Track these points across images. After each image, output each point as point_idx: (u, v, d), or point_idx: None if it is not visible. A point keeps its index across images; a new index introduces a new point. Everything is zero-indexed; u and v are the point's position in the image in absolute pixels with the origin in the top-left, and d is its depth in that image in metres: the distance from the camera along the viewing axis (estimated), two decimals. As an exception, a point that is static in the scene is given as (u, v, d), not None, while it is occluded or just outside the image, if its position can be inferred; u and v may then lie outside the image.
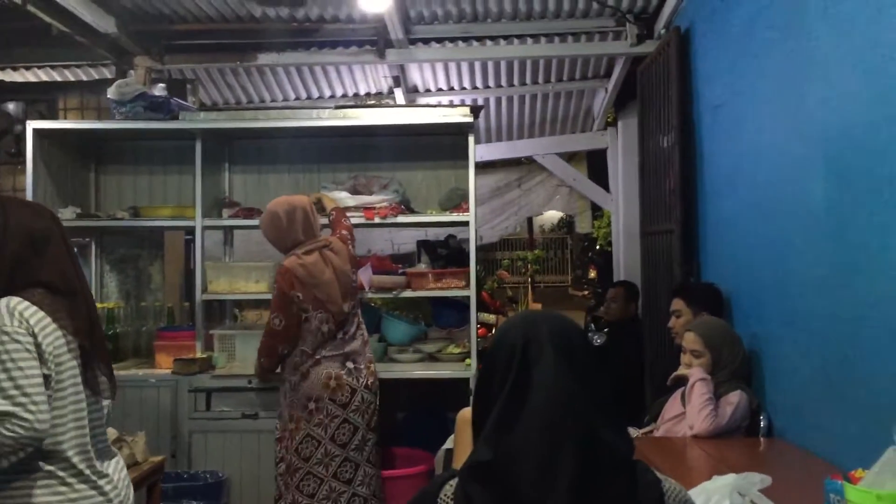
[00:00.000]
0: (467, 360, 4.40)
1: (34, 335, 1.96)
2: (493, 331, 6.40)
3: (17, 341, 1.93)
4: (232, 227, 5.01)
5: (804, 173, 2.83)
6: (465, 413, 1.86)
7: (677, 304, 3.71)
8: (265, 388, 4.16)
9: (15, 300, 1.97)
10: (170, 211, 4.59)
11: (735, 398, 3.10)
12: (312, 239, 3.83)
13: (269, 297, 4.25)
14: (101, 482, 2.06)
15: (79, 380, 2.06)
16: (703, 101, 4.15)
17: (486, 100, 6.86)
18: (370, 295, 4.35)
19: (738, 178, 3.58)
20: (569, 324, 1.36)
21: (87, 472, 2.04)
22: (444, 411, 4.67)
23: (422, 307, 5.18)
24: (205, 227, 4.51)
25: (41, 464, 1.98)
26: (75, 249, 2.20)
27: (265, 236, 3.92)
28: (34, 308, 1.98)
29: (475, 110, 4.44)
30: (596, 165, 7.67)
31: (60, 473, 2.00)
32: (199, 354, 4.37)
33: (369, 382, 3.85)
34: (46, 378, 1.97)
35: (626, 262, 6.44)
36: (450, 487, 1.27)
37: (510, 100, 7.01)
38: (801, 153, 2.86)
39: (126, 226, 4.57)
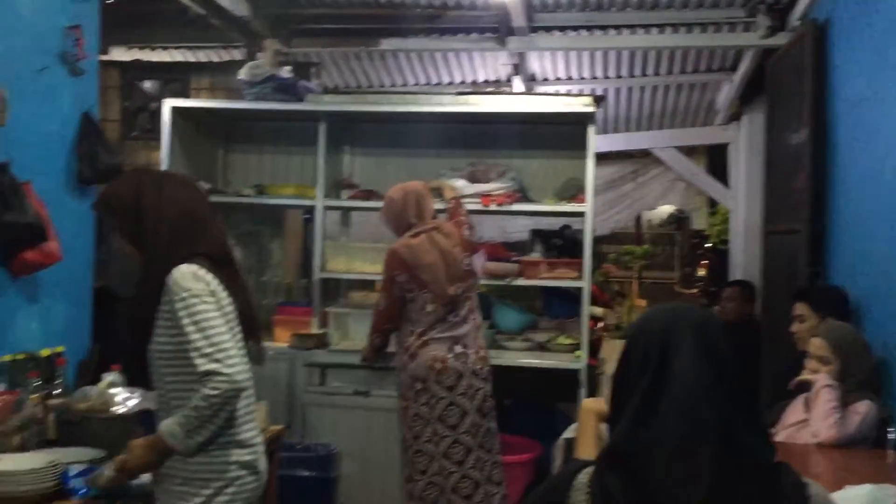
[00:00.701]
0: (577, 352, 4.37)
1: (217, 299, 2.06)
2: (601, 324, 6.34)
3: (206, 302, 2.03)
4: (350, 209, 5.13)
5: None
6: (589, 403, 1.85)
7: (801, 308, 3.57)
8: (377, 367, 4.26)
9: (193, 266, 2.06)
10: (292, 190, 4.73)
11: (863, 408, 2.97)
12: (423, 223, 3.90)
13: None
14: (254, 446, 2.16)
15: (243, 345, 2.16)
16: (840, 98, 3.97)
17: (605, 90, 6.76)
18: (481, 282, 4.38)
19: (876, 180, 3.42)
20: (710, 318, 1.34)
21: (247, 437, 2.13)
22: (551, 402, 4.67)
23: (532, 297, 5.17)
24: (325, 207, 4.64)
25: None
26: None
27: (383, 222, 4.02)
28: (211, 274, 2.08)
29: (597, 100, 4.39)
30: (715, 160, 7.46)
31: (223, 438, 2.08)
32: (314, 331, 4.50)
33: (478, 368, 3.88)
34: None
35: (744, 260, 6.25)
36: (584, 475, 1.28)
37: (630, 90, 6.89)
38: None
39: (252, 202, 4.74)
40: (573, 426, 2.41)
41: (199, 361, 1.97)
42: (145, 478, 2.18)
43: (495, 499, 3.84)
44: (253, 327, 2.24)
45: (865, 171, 3.58)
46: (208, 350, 1.98)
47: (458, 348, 3.83)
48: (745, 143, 6.45)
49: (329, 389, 4.32)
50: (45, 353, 2.97)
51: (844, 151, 3.89)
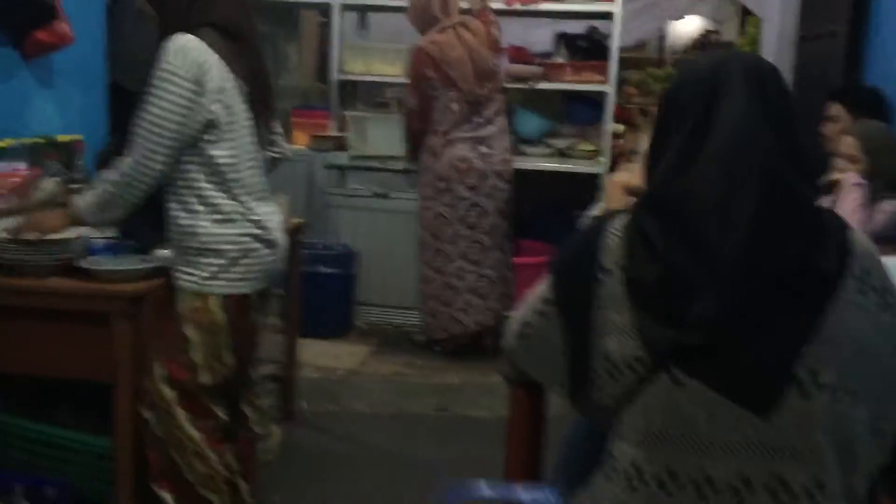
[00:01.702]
0: (599, 158, 4.32)
1: (204, 76, 1.99)
2: (621, 142, 6.21)
3: (173, 83, 1.97)
4: (368, 8, 4.92)
5: None
6: (617, 176, 1.82)
7: (835, 109, 3.47)
8: (397, 170, 4.24)
9: (187, 37, 1.99)
10: (308, -15, 4.53)
11: (890, 207, 2.93)
12: (449, 18, 3.76)
13: (403, 80, 4.25)
14: (262, 222, 2.16)
15: (249, 122, 2.12)
16: None
17: None
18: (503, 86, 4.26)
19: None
20: (764, 63, 1.27)
21: (253, 211, 2.13)
22: (570, 208, 4.65)
23: (554, 103, 5.05)
24: (342, 6, 4.46)
25: (218, 201, 2.07)
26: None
27: (410, 20, 3.89)
28: (206, 47, 2.00)
29: None
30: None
31: (232, 211, 2.09)
32: (333, 134, 4.45)
33: (501, 169, 3.86)
34: (211, 122, 2.03)
35: (775, 73, 6.03)
36: (618, 221, 1.25)
37: None
38: None
39: (264, 1, 4.54)
40: (599, 204, 2.39)
41: (132, 138, 1.99)
42: (165, 252, 2.21)
43: (505, 297, 3.92)
44: (261, 108, 2.18)
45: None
46: (140, 133, 1.98)
47: (483, 149, 3.79)
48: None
49: (349, 191, 4.33)
50: (63, 138, 2.95)
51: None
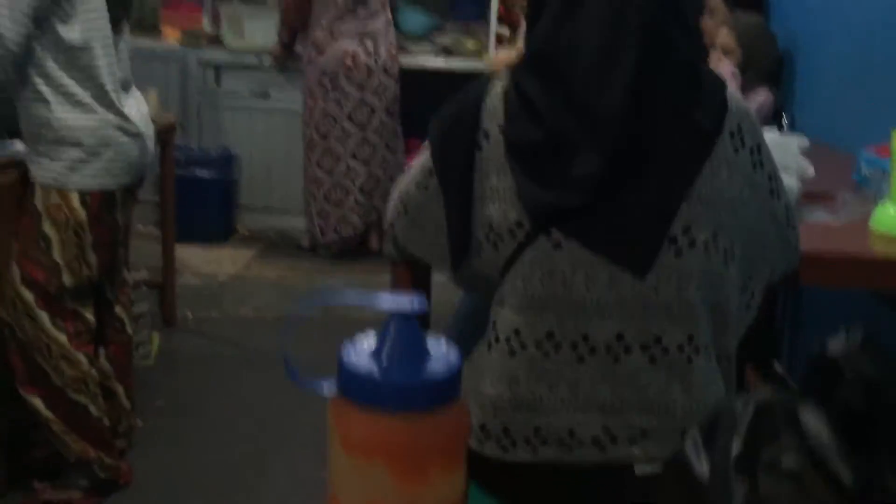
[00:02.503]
0: (484, 55, 4.25)
1: None
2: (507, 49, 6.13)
3: None
4: None
5: None
6: (499, 55, 1.77)
7: (713, 1, 3.50)
8: (277, 69, 4.05)
9: None
10: None
11: (761, 97, 3.02)
12: None
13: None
14: (124, 111, 2.02)
15: (104, 5, 1.95)
16: None
17: None
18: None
19: None
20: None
21: (114, 100, 1.99)
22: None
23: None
24: None
25: (73, 87, 1.93)
26: None
27: None
28: None
29: None
30: None
31: (88, 98, 1.95)
32: (206, 29, 4.21)
33: (388, 65, 3.75)
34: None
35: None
36: (498, 83, 1.20)
37: None
38: None
39: None
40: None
41: None
42: (19, 145, 2.05)
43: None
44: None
45: None
46: None
47: (369, 43, 3.66)
48: None
49: (225, 90, 4.12)
50: None
51: None
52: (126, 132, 2.03)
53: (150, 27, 4.34)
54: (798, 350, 2.79)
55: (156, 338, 2.90)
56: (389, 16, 3.81)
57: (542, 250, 1.15)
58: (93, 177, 1.98)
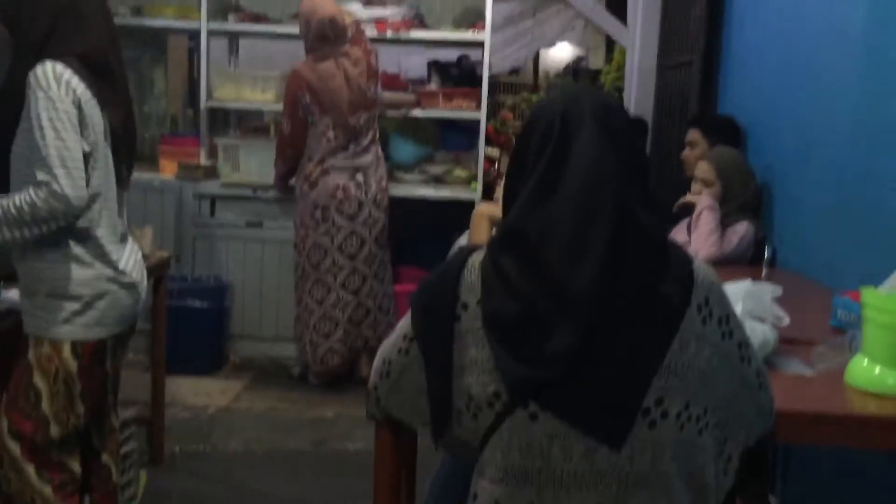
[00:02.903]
0: (473, 184, 4.37)
1: (80, 108, 1.89)
2: (497, 166, 6.32)
3: (64, 111, 1.87)
4: (238, 34, 4.83)
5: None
6: (481, 208, 1.84)
7: (693, 135, 3.64)
8: (270, 199, 4.16)
9: (60, 66, 1.88)
10: (173, 11, 4.41)
11: (742, 229, 3.10)
12: (332, 46, 3.75)
13: (275, 107, 4.19)
14: (119, 265, 2.06)
15: (111, 161, 2.02)
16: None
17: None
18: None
19: (765, 4, 3.44)
20: (611, 100, 1.31)
21: (110, 253, 2.03)
22: (448, 234, 4.68)
23: (428, 131, 5.09)
24: (210, 32, 4.35)
25: (72, 244, 1.97)
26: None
27: (300, 30, 3.86)
28: (78, 78, 1.90)
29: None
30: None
31: (86, 254, 1.99)
32: (203, 162, 4.33)
33: (378, 198, 3.85)
34: (86, 155, 1.93)
35: (638, 98, 6.29)
36: (476, 256, 1.26)
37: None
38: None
39: (127, 24, 4.39)
40: (466, 233, 2.41)
41: (38, 168, 1.85)
42: (13, 294, 2.08)
43: (382, 325, 3.92)
44: (125, 148, 2.08)
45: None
46: (51, 162, 1.84)
47: (360, 178, 3.79)
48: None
49: (220, 221, 4.21)
50: None
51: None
52: (121, 284, 2.06)
53: (148, 159, 4.48)
54: (791, 478, 2.77)
55: (143, 476, 2.86)
56: (380, 151, 3.94)
57: (519, 422, 1.17)
58: (86, 327, 2.00)
